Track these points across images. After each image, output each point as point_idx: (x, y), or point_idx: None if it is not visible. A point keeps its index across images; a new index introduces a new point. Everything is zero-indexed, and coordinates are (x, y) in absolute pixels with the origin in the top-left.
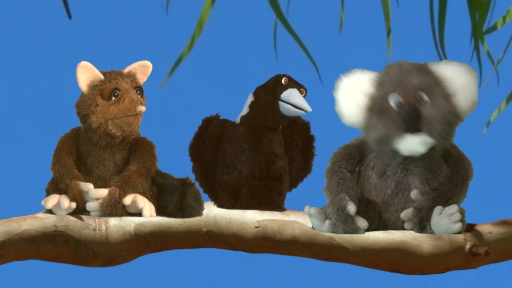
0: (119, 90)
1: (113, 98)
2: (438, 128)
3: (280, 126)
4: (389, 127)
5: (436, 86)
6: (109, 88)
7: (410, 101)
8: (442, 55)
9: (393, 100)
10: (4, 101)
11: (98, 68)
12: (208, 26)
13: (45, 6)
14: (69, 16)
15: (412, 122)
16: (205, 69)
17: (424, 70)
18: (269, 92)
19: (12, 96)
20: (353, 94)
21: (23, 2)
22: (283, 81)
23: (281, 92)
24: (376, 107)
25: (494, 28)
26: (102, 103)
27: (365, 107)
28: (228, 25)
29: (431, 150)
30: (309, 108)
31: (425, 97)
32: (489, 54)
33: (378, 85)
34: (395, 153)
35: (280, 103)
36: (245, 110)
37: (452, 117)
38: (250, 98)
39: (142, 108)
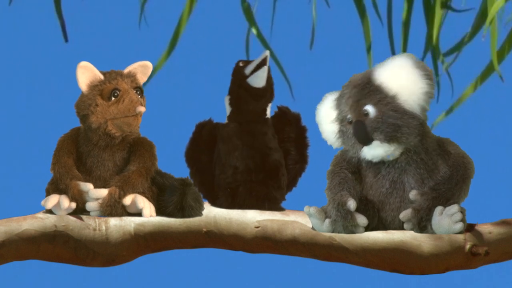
0: (119, 90)
1: (113, 98)
2: (384, 132)
3: (269, 117)
4: (351, 144)
5: (376, 93)
6: (109, 88)
7: (355, 117)
8: None
9: (347, 118)
10: (4, 101)
11: (98, 69)
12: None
13: (45, 6)
14: (66, 39)
15: (360, 136)
16: (205, 69)
17: (364, 80)
18: (236, 80)
19: (12, 96)
20: (325, 121)
21: (23, 2)
22: (240, 63)
23: (244, 71)
24: (341, 128)
25: (456, 48)
26: (101, 103)
27: (336, 130)
28: (228, 26)
29: (406, 149)
30: (266, 52)
31: (369, 108)
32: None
33: (337, 107)
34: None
35: (248, 79)
36: (228, 110)
37: (396, 119)
38: (227, 98)
39: (142, 109)
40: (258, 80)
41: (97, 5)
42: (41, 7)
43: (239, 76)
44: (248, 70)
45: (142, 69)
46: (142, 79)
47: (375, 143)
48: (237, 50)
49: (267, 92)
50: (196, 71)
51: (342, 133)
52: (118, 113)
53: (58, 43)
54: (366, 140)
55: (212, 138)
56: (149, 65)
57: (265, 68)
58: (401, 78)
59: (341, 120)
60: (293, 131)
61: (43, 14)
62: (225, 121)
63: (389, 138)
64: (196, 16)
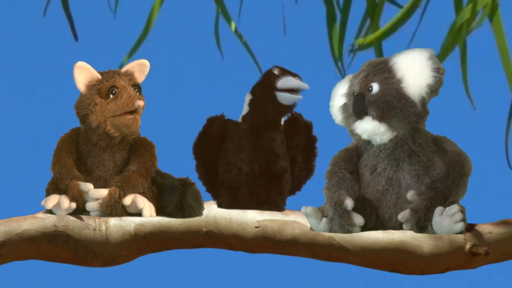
0: (117, 87)
1: (111, 95)
2: (377, 108)
3: (282, 123)
4: (346, 116)
5: (385, 72)
6: (106, 86)
7: (359, 89)
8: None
9: (353, 93)
10: (4, 101)
11: (96, 69)
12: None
13: (48, 7)
14: (76, 38)
15: (356, 107)
16: (205, 69)
17: (383, 61)
18: (265, 86)
19: (12, 96)
20: (336, 96)
21: (23, 3)
22: (276, 72)
23: (276, 82)
24: (345, 103)
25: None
26: (100, 101)
27: (341, 106)
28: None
29: (395, 137)
30: (305, 86)
31: (374, 85)
32: None
33: (349, 82)
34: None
35: (277, 93)
36: (245, 110)
37: (393, 98)
38: (248, 97)
39: (141, 103)
40: (287, 100)
41: (97, 5)
42: (40, 7)
43: (269, 85)
44: (281, 84)
45: (139, 67)
46: (140, 77)
47: (367, 118)
48: (237, 50)
49: (290, 109)
50: (196, 71)
51: (345, 106)
52: (117, 110)
53: (58, 43)
54: (359, 113)
55: (222, 134)
56: (146, 64)
57: (299, 98)
58: (411, 64)
59: (349, 94)
60: (303, 139)
61: (42, 13)
62: (239, 119)
63: (381, 115)
64: (195, 15)
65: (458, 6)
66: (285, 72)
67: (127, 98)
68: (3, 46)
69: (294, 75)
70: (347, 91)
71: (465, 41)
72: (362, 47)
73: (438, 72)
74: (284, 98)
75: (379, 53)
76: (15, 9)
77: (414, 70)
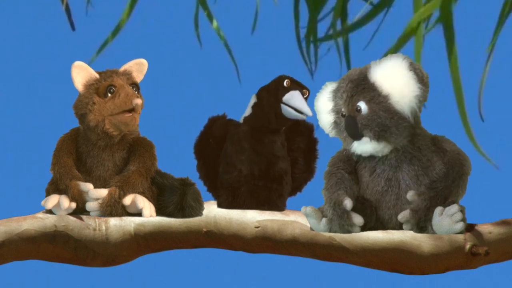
0: (115, 86)
1: (109, 94)
2: (373, 131)
3: (283, 128)
4: (343, 137)
5: (369, 90)
6: (104, 85)
7: (348, 112)
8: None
9: (342, 112)
10: (4, 101)
11: (95, 69)
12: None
13: (45, 7)
14: (73, 28)
15: (350, 131)
16: (206, 69)
17: (361, 76)
18: (272, 94)
19: (12, 96)
20: (322, 111)
21: (22, 4)
22: (285, 83)
23: (283, 95)
24: (336, 120)
25: (329, 37)
26: (98, 101)
27: (331, 121)
28: (228, 24)
29: (395, 148)
30: (309, 113)
31: (362, 105)
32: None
33: (333, 100)
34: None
35: (282, 106)
36: (248, 111)
37: (385, 119)
38: (253, 99)
39: (138, 101)
40: (290, 115)
41: (97, 5)
42: (41, 8)
43: (276, 95)
44: (287, 99)
45: (137, 66)
46: (138, 76)
47: (365, 139)
48: (237, 50)
49: (291, 122)
50: (196, 71)
51: (335, 124)
52: (115, 108)
53: (58, 42)
54: (356, 135)
55: (223, 134)
56: (144, 63)
57: (303, 117)
58: (394, 79)
59: (336, 112)
60: (304, 142)
61: (43, 14)
62: (241, 120)
63: (377, 137)
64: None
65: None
66: (294, 85)
67: (125, 96)
68: (3, 46)
69: (302, 87)
70: (333, 108)
71: (422, 38)
72: (326, 38)
73: (423, 81)
74: (288, 113)
75: (346, 46)
76: (14, 9)
77: (398, 85)
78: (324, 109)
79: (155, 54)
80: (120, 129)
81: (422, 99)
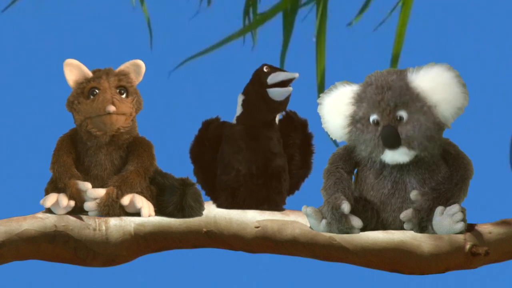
0: (98, 89)
1: (91, 96)
2: (416, 143)
3: (277, 122)
4: (371, 144)
5: (415, 101)
6: (88, 87)
7: (387, 121)
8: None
9: (372, 119)
10: (3, 101)
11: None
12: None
13: (45, 8)
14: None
15: (389, 142)
16: (206, 69)
17: (402, 85)
18: (256, 84)
19: (11, 96)
20: (335, 113)
21: (22, 4)
22: (264, 69)
23: (266, 79)
24: (358, 125)
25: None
26: (82, 101)
27: (348, 125)
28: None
29: (418, 157)
30: (295, 75)
31: (404, 115)
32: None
33: (357, 103)
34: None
35: (269, 90)
36: (238, 110)
37: (432, 130)
38: (241, 98)
39: (111, 108)
40: (278, 95)
41: (97, 5)
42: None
43: (260, 82)
44: (271, 80)
45: (134, 68)
46: (135, 77)
47: (402, 149)
48: (236, 49)
49: (283, 106)
50: (196, 71)
51: (358, 130)
52: (92, 112)
53: (58, 42)
54: (394, 145)
55: (218, 136)
56: (140, 64)
57: (290, 89)
58: (444, 91)
59: (360, 117)
60: (299, 137)
61: (43, 14)
62: (233, 120)
63: (422, 148)
64: (196, 17)
65: None
66: (274, 69)
67: (101, 102)
68: (3, 46)
69: (282, 70)
70: (354, 113)
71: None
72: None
73: (467, 93)
74: (275, 93)
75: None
76: (15, 9)
77: (448, 98)
78: (337, 110)
79: (155, 54)
80: (103, 130)
81: (463, 111)
